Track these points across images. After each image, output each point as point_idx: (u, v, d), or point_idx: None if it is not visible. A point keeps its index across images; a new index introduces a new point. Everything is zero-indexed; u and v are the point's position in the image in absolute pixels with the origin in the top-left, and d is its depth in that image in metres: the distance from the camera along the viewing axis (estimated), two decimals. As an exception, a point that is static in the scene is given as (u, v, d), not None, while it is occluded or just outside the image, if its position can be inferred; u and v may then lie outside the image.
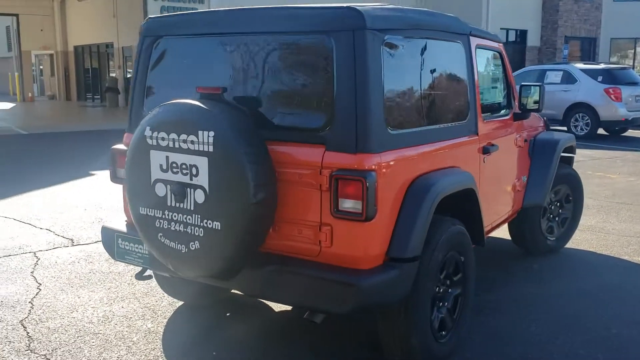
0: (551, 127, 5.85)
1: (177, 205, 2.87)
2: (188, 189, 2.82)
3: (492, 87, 4.23)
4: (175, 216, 2.90)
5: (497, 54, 4.25)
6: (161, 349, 3.50)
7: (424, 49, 3.23)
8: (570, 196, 5.45)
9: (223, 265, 2.84)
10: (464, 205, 3.49)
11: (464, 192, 3.38)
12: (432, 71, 3.32)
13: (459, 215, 3.41)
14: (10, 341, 3.57)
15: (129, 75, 22.23)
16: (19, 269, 4.83)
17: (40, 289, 4.39)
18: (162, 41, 3.40)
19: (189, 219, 2.85)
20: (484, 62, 4.03)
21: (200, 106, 2.81)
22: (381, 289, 2.81)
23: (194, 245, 2.86)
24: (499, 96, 4.36)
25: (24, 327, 3.75)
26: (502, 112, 4.34)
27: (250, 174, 2.69)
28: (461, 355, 3.43)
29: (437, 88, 3.39)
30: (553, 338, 3.67)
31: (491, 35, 4.19)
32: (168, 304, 4.12)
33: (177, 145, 2.84)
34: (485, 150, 3.81)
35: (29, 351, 3.45)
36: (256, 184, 2.70)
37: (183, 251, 2.90)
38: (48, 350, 3.45)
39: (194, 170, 2.80)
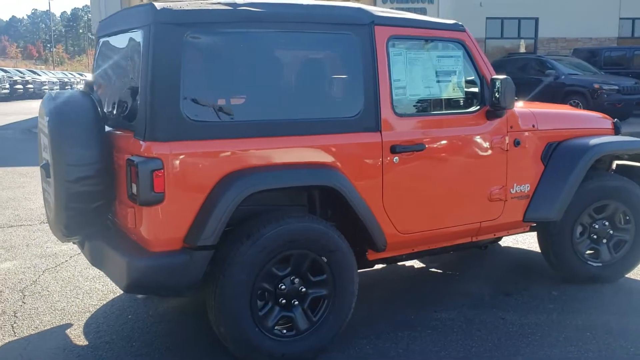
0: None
1: (47, 178, 3.42)
2: (48, 166, 3.34)
3: (438, 81, 3.76)
4: (46, 188, 3.46)
5: (455, 45, 3.77)
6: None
7: (264, 40, 3.18)
8: (628, 215, 4.44)
9: (61, 232, 3.30)
10: (340, 205, 3.33)
11: (327, 190, 3.24)
12: (278, 63, 3.24)
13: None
14: None
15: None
16: None
17: None
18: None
19: (48, 191, 3.39)
20: (415, 52, 3.64)
21: (49, 94, 3.30)
22: (162, 271, 2.95)
23: (50, 213, 3.39)
24: (450, 91, 3.85)
25: None
26: (458, 109, 3.84)
27: (67, 156, 3.10)
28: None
29: (287, 81, 3.28)
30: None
31: (435, 24, 3.74)
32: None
33: (41, 128, 3.40)
34: (396, 149, 3.48)
35: None
36: (70, 164, 3.09)
37: (49, 217, 3.46)
38: None
39: (47, 150, 3.31)
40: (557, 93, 14.82)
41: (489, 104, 3.77)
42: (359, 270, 3.89)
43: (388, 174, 3.49)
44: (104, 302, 4.19)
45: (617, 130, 4.67)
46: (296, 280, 3.24)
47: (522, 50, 19.97)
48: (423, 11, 17.94)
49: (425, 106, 3.76)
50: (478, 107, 3.83)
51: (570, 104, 14.61)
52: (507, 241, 5.44)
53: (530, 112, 4.16)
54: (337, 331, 3.37)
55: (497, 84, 3.65)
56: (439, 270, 4.89)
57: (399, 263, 4.78)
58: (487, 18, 19.54)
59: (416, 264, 4.96)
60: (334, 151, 3.31)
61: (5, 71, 31.67)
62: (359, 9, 3.46)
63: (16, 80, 30.93)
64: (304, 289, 3.26)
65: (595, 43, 19.66)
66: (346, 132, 3.36)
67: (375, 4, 17.97)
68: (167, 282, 3.00)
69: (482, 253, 5.13)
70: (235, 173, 3.03)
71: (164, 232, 2.98)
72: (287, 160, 3.18)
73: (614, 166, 4.79)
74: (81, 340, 3.63)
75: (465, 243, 4.08)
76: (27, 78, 32.64)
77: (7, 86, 29.47)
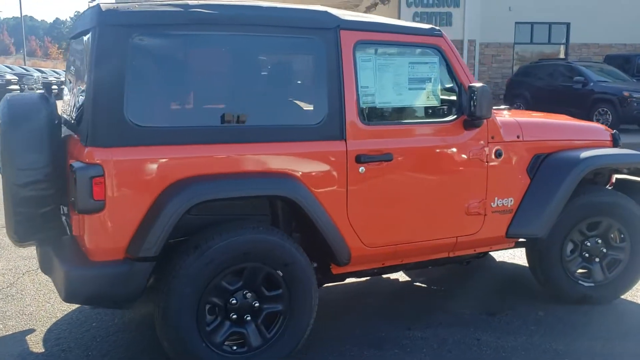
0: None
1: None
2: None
3: (411, 89, 3.56)
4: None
5: (431, 51, 3.58)
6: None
7: (217, 44, 3.06)
8: (623, 233, 4.17)
9: (12, 237, 3.22)
10: (301, 216, 3.19)
11: (285, 200, 3.11)
12: (233, 67, 3.11)
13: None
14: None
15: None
16: None
17: None
18: None
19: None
20: (386, 58, 3.47)
21: (6, 96, 3.24)
22: (102, 282, 2.85)
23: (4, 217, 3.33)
24: (424, 99, 3.66)
25: None
26: (433, 118, 3.65)
27: (16, 159, 3.02)
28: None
29: (241, 86, 3.13)
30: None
31: (408, 29, 3.55)
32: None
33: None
34: (362, 159, 3.32)
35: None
36: (20, 168, 3.02)
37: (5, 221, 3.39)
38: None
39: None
40: (585, 101, 14.39)
41: (466, 113, 3.57)
42: (329, 285, 3.79)
43: (353, 184, 3.33)
44: (73, 308, 4.11)
45: (615, 142, 4.40)
46: (248, 294, 3.10)
47: (562, 56, 19.44)
48: (448, 15, 17.66)
49: (396, 114, 3.58)
50: (455, 116, 3.63)
51: (599, 112, 14.19)
52: (502, 256, 5.21)
53: (516, 121, 3.94)
54: (292, 349, 3.22)
55: (474, 92, 3.45)
56: (423, 285, 4.69)
57: (384, 276, 4.61)
58: (516, 23, 19.10)
59: (401, 277, 4.77)
60: (293, 160, 3.16)
61: (42, 71, 32.39)
62: (325, 12, 3.31)
63: (51, 80, 31.60)
64: (257, 304, 3.12)
65: (630, 49, 19.03)
66: (308, 140, 3.21)
67: (399, 8, 17.78)
68: (106, 293, 2.90)
69: (474, 268, 4.91)
70: (181, 182, 2.91)
71: (105, 241, 2.87)
72: (238, 169, 3.05)
73: (613, 180, 4.54)
74: (38, 348, 3.56)
75: (443, 258, 3.88)
76: (62, 78, 33.32)
77: (41, 86, 30.13)
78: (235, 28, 3.08)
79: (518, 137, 3.88)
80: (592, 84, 14.45)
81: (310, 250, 3.32)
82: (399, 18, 17.88)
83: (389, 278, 4.72)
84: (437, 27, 3.64)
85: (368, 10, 25.36)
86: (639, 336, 3.80)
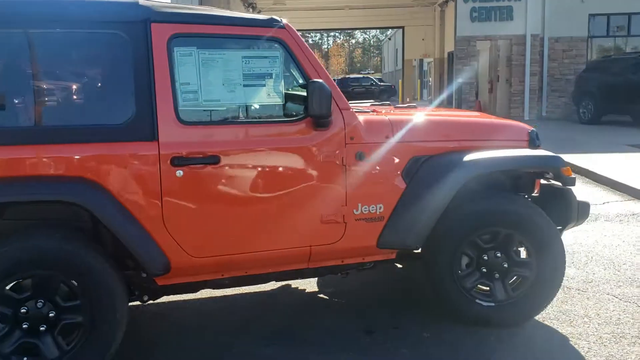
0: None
1: None
2: None
3: (246, 85, 3.25)
4: None
5: (271, 44, 3.25)
6: None
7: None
8: (526, 246, 3.63)
9: None
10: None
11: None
12: (18, 64, 2.96)
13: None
14: None
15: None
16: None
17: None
18: None
19: None
20: (212, 53, 3.18)
21: None
22: None
23: None
24: (263, 97, 3.32)
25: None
26: (272, 117, 3.34)
27: None
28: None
29: (28, 84, 2.96)
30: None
31: (240, 20, 3.23)
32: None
33: None
34: (179, 162, 3.08)
35: None
36: None
37: None
38: None
39: None
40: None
41: (307, 111, 3.23)
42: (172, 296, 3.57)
43: (169, 189, 3.09)
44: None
45: (532, 142, 3.85)
46: (40, 304, 2.95)
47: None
48: (509, 10, 16.72)
49: (227, 113, 3.30)
50: (302, 115, 3.30)
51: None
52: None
53: (387, 120, 3.53)
54: (95, 362, 3.03)
55: (308, 88, 3.12)
56: (317, 298, 4.32)
57: (265, 287, 4.26)
58: (590, 15, 17.71)
59: (307, 287, 4.44)
60: (91, 162, 2.97)
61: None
62: (133, 4, 3.09)
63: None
64: (53, 314, 2.97)
65: None
66: (111, 141, 3.01)
67: (456, 4, 17.02)
68: None
69: (375, 276, 4.52)
70: None
71: None
72: (24, 172, 2.90)
73: (537, 186, 3.99)
74: None
75: (304, 269, 3.54)
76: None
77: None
78: (29, 25, 2.94)
79: (387, 137, 3.48)
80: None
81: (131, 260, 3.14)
82: (455, 15, 17.13)
83: (271, 289, 4.37)
84: (279, 19, 3.30)
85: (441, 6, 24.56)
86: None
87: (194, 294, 3.62)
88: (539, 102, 17.84)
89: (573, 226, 3.88)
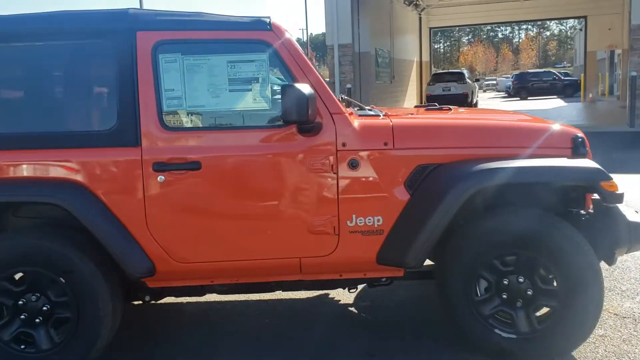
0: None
1: None
2: None
3: (232, 91, 3.12)
4: None
5: (258, 47, 3.12)
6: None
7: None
8: (551, 271, 3.09)
9: None
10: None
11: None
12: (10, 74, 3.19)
13: None
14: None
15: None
16: None
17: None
18: None
19: None
20: (197, 59, 3.13)
21: None
22: None
23: None
24: (249, 102, 3.17)
25: None
26: (258, 123, 3.22)
27: None
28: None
29: (20, 92, 3.18)
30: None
31: (226, 24, 3.14)
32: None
33: None
34: (160, 167, 3.11)
35: None
36: None
37: None
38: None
39: None
40: None
41: (282, 116, 3.07)
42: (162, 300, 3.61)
43: (152, 194, 3.14)
44: None
45: (576, 150, 3.28)
46: (33, 298, 3.17)
47: None
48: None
49: (211, 119, 3.24)
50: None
51: None
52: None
53: (388, 125, 3.23)
54: (82, 358, 3.18)
55: (281, 92, 2.97)
56: (341, 311, 4.08)
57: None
58: None
59: (342, 298, 4.23)
60: (77, 167, 3.12)
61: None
62: (119, 13, 3.18)
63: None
64: (47, 308, 3.17)
65: None
66: (95, 147, 3.13)
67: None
68: None
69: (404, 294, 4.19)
70: None
71: None
72: (14, 175, 3.13)
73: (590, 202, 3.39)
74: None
75: (304, 281, 3.39)
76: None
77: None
78: (20, 39, 3.18)
79: (386, 144, 3.18)
80: None
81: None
82: (630, 1, 15.22)
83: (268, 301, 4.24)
84: (266, 20, 3.18)
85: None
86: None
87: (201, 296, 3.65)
88: None
89: (628, 251, 3.25)
